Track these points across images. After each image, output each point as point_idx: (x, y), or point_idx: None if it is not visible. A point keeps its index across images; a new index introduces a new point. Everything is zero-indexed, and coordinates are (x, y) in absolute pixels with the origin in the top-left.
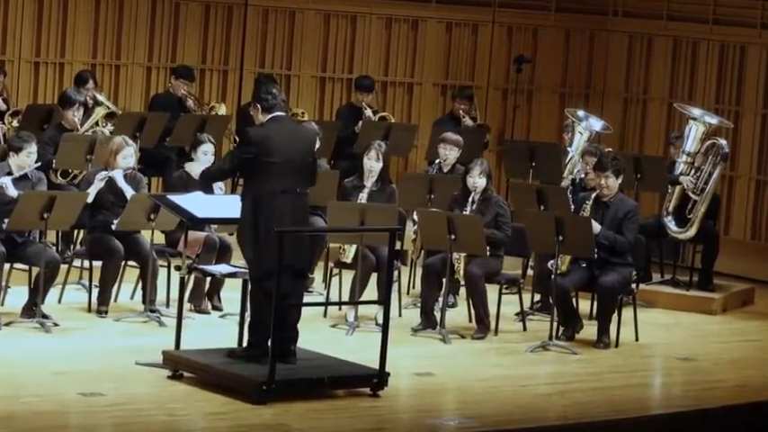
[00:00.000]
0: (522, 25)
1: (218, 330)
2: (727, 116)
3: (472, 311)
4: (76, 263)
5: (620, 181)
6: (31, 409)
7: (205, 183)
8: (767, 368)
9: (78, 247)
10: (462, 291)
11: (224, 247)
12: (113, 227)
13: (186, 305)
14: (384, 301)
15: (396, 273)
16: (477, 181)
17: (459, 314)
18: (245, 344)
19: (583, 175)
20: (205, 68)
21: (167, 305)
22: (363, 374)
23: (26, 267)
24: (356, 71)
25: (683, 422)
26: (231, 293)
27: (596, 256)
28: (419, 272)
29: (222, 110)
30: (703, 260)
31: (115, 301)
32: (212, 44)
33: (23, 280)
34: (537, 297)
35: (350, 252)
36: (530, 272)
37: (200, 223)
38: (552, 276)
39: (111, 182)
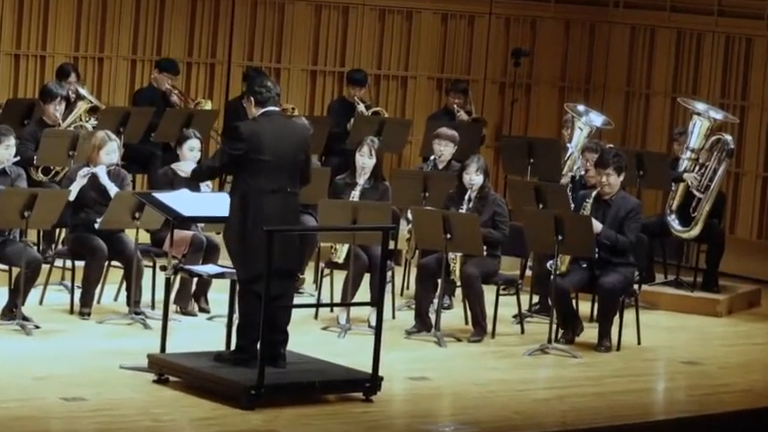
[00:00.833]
0: (520, 16)
1: (205, 333)
2: (733, 111)
3: (468, 313)
4: (58, 263)
5: (621, 178)
6: (11, 415)
7: (194, 181)
8: None
9: (60, 246)
10: (458, 292)
11: (211, 246)
12: (96, 225)
13: (172, 307)
14: (377, 302)
15: (389, 273)
16: (473, 178)
17: (454, 316)
18: (232, 347)
19: (583, 173)
20: (192, 61)
21: (152, 307)
22: (356, 379)
23: (6, 267)
24: (348, 64)
25: (687, 428)
26: (219, 295)
27: (597, 256)
28: (413, 272)
29: (208, 106)
30: (708, 260)
31: (98, 302)
32: (199, 36)
33: (3, 281)
34: (535, 298)
35: (342, 252)
36: (528, 272)
37: (187, 222)
38: (551, 277)
39: (93, 178)
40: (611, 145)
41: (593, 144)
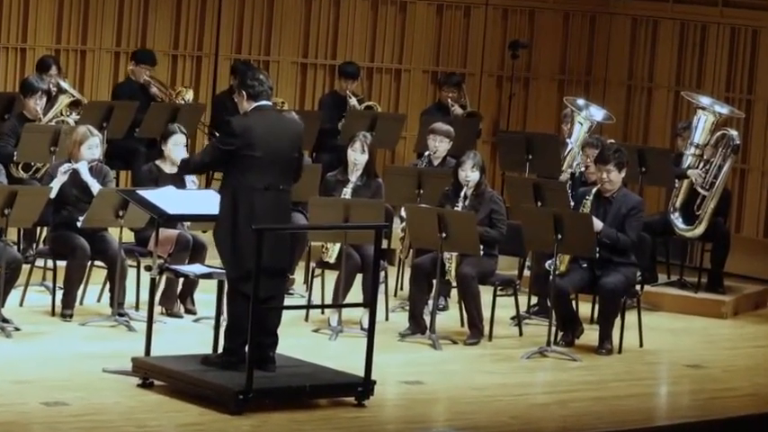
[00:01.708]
0: (518, 7)
1: (192, 335)
2: (739, 105)
3: (464, 315)
4: (39, 263)
5: (623, 175)
6: None
7: (182, 173)
8: None
9: (41, 245)
10: (454, 293)
11: (198, 245)
12: (79, 224)
13: (157, 308)
14: (370, 303)
15: (382, 273)
16: (469, 175)
17: (450, 318)
18: (220, 350)
19: (583, 169)
20: (177, 54)
21: (137, 308)
22: (347, 383)
23: None
24: (340, 57)
25: None
26: (205, 295)
27: (598, 255)
28: (407, 272)
29: (189, 95)
30: (713, 260)
31: (81, 303)
32: (185, 27)
33: None
34: (534, 299)
35: (333, 251)
36: (526, 272)
37: (173, 220)
38: (550, 277)
39: (75, 175)
40: (613, 140)
41: (593, 139)
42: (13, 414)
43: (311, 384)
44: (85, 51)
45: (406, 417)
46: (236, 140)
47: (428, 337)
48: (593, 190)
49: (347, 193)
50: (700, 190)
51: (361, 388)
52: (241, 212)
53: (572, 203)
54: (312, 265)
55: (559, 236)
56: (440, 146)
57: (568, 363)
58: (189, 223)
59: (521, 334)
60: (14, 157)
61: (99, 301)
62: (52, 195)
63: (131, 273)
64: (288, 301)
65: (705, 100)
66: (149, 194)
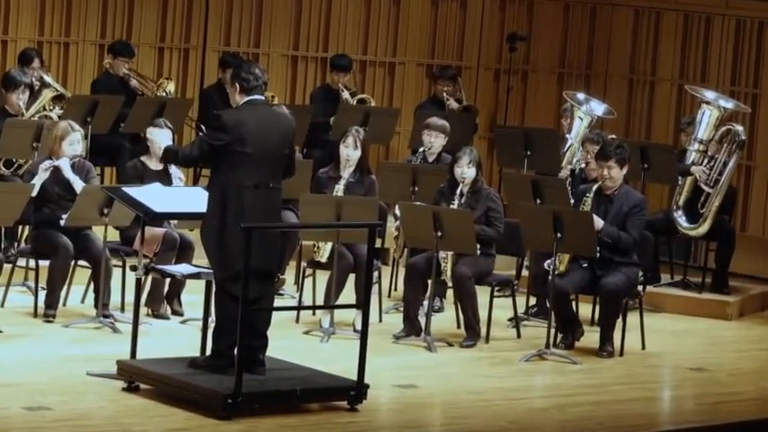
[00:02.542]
0: None
1: (179, 337)
2: (744, 100)
3: (460, 316)
4: (21, 262)
5: (624, 171)
6: None
7: (165, 162)
8: None
9: (23, 244)
10: (450, 293)
11: (185, 244)
12: (62, 222)
13: (143, 309)
14: (363, 304)
15: (376, 273)
16: (465, 171)
17: (445, 319)
18: (208, 352)
19: (583, 165)
20: (164, 47)
21: (122, 309)
22: (340, 386)
23: None
24: (332, 49)
25: None
26: (193, 296)
27: (598, 255)
28: (402, 272)
29: (171, 87)
30: (717, 259)
31: (64, 304)
32: (172, 19)
33: None
34: (533, 300)
35: (325, 250)
36: (524, 272)
37: (159, 218)
38: (549, 277)
39: (57, 172)
40: (614, 136)
41: (594, 135)
42: None
43: (302, 388)
44: (69, 44)
45: (400, 422)
46: (227, 136)
47: (423, 340)
48: (594, 187)
49: (339, 190)
50: (704, 187)
51: (354, 392)
52: (230, 211)
53: (572, 201)
54: (303, 264)
55: (559, 235)
56: (435, 141)
57: (568, 366)
58: (176, 221)
59: (519, 336)
60: None
61: (83, 302)
62: (34, 193)
63: (116, 273)
64: (278, 302)
65: (709, 94)
66: (135, 192)
